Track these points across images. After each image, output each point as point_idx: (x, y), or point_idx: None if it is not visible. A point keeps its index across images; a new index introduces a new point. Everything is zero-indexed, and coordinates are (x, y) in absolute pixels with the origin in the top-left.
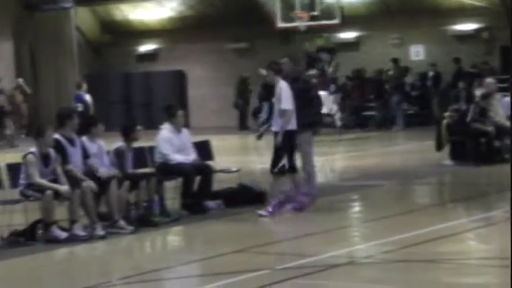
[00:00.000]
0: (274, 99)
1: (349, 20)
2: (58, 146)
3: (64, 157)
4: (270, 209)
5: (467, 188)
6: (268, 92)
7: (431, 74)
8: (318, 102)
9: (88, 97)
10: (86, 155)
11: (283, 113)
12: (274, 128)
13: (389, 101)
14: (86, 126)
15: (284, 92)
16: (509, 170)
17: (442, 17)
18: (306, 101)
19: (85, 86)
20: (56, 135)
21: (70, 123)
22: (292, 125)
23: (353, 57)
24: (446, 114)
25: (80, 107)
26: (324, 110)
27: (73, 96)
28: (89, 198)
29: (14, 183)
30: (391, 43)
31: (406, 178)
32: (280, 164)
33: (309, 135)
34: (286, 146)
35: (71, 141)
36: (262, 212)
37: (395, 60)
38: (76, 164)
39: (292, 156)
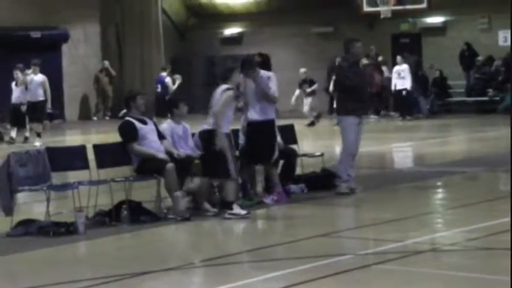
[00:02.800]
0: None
1: (436, 4)
2: (131, 126)
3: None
4: (275, 198)
5: None
6: None
7: None
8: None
9: (168, 79)
10: (160, 136)
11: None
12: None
13: None
14: (169, 108)
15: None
16: None
17: None
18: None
19: (168, 69)
20: (127, 118)
21: (133, 105)
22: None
23: (439, 43)
24: None
25: (158, 88)
26: None
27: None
28: (173, 179)
29: (100, 163)
30: (479, 28)
31: (493, 165)
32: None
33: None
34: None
35: (142, 121)
36: (266, 199)
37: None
38: (155, 144)
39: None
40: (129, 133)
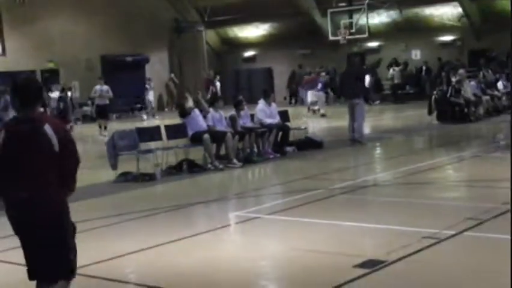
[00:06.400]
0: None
1: (373, 34)
2: (187, 112)
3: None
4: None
5: (447, 138)
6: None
7: (424, 67)
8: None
9: (217, 83)
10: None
11: None
12: None
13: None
14: (212, 102)
15: None
16: (470, 127)
17: (432, 31)
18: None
19: (217, 77)
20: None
21: (185, 101)
22: None
23: (375, 58)
24: (434, 92)
25: (214, 89)
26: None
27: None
28: (208, 145)
29: (169, 136)
30: (399, 49)
31: (408, 132)
32: None
33: None
34: None
35: (192, 110)
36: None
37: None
38: (201, 122)
39: None
40: (184, 109)
